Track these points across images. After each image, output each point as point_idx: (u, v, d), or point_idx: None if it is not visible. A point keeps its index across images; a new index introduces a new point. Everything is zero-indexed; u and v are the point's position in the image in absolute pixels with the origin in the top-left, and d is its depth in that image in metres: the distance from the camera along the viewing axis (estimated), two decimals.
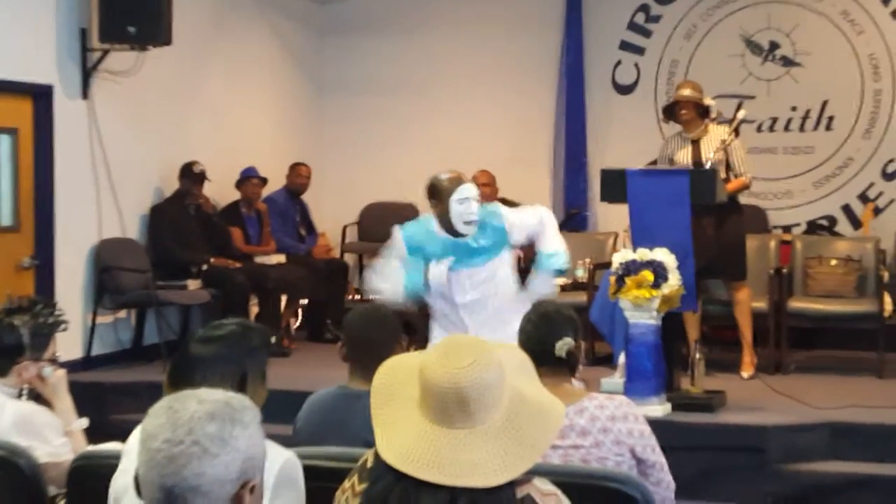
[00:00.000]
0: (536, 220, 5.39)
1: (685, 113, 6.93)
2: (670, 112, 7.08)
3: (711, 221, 6.68)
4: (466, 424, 1.98)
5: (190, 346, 2.67)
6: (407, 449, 1.98)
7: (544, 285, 5.31)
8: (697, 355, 5.97)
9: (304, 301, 8.84)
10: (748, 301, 7.04)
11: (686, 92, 6.97)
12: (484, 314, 5.23)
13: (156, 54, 7.46)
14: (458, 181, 5.13)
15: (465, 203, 5.08)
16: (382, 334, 3.36)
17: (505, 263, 5.33)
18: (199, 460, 1.72)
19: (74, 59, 7.32)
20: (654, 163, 7.43)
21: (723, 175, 6.85)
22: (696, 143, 6.92)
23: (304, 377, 6.48)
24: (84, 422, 3.87)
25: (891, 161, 8.83)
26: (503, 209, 5.38)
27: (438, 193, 5.14)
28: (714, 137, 6.84)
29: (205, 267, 7.70)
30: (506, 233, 5.26)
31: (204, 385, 2.49)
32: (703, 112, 6.93)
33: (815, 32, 8.98)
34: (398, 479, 1.99)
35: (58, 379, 3.86)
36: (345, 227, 9.85)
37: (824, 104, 8.96)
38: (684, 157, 6.88)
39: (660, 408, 5.70)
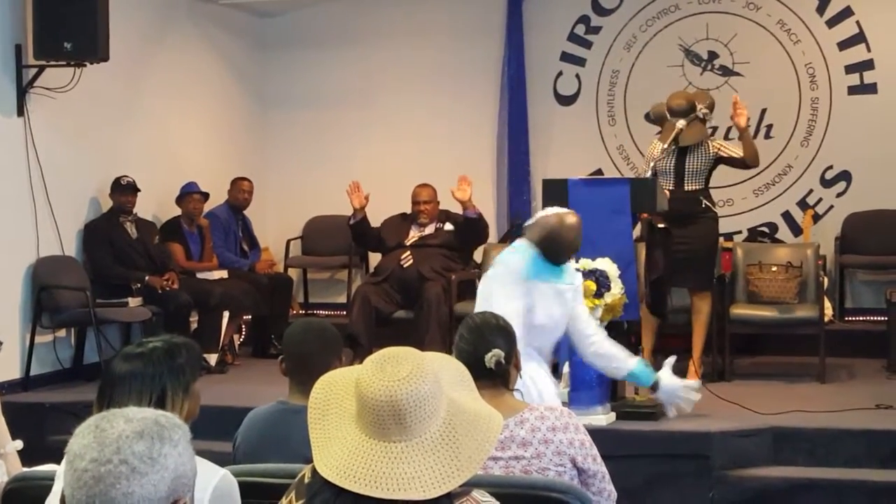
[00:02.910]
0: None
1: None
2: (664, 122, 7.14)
3: (687, 228, 6.79)
4: (403, 437, 1.96)
5: (112, 363, 2.65)
6: (344, 463, 1.96)
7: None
8: None
9: (248, 316, 8.77)
10: (708, 310, 7.08)
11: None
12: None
13: (93, 70, 7.35)
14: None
15: None
16: (321, 348, 3.33)
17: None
18: (127, 480, 1.68)
19: (9, 75, 7.21)
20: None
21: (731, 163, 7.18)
22: (682, 151, 6.97)
23: (247, 393, 6.43)
24: (18, 444, 3.80)
25: (829, 168, 8.94)
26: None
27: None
28: (704, 148, 6.99)
29: (138, 285, 7.61)
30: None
31: (122, 402, 2.47)
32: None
33: (752, 42, 9.08)
34: (336, 494, 1.97)
35: None
36: (288, 242, 9.79)
37: (763, 112, 9.06)
38: (667, 163, 6.94)
39: (604, 417, 5.72)
